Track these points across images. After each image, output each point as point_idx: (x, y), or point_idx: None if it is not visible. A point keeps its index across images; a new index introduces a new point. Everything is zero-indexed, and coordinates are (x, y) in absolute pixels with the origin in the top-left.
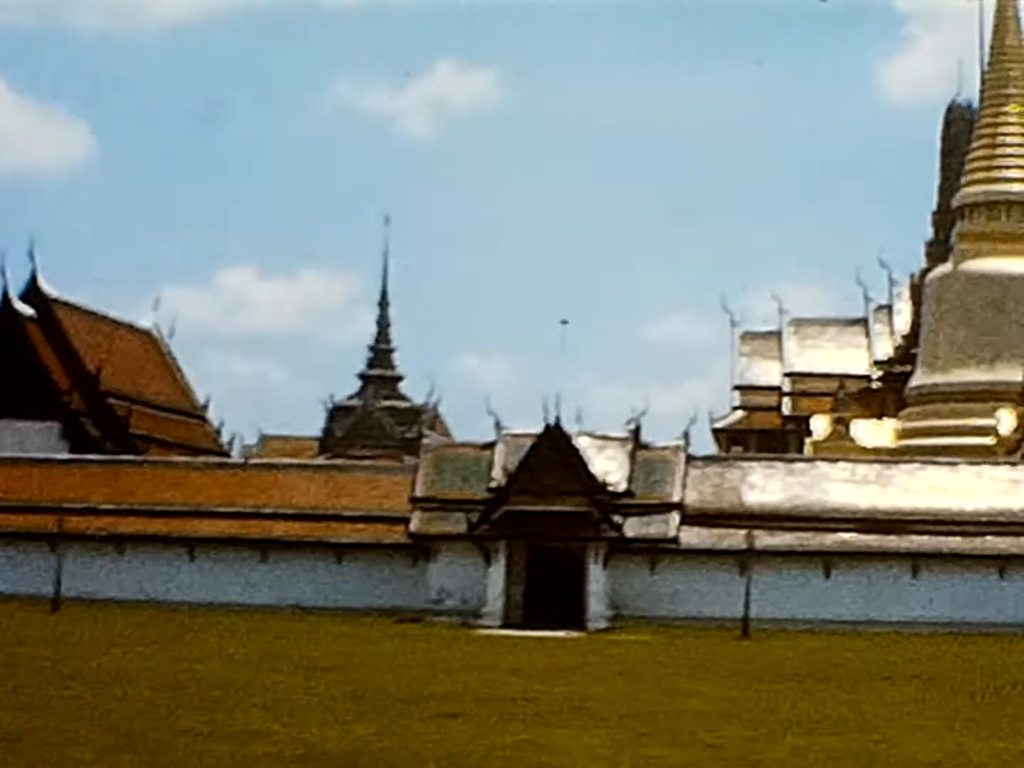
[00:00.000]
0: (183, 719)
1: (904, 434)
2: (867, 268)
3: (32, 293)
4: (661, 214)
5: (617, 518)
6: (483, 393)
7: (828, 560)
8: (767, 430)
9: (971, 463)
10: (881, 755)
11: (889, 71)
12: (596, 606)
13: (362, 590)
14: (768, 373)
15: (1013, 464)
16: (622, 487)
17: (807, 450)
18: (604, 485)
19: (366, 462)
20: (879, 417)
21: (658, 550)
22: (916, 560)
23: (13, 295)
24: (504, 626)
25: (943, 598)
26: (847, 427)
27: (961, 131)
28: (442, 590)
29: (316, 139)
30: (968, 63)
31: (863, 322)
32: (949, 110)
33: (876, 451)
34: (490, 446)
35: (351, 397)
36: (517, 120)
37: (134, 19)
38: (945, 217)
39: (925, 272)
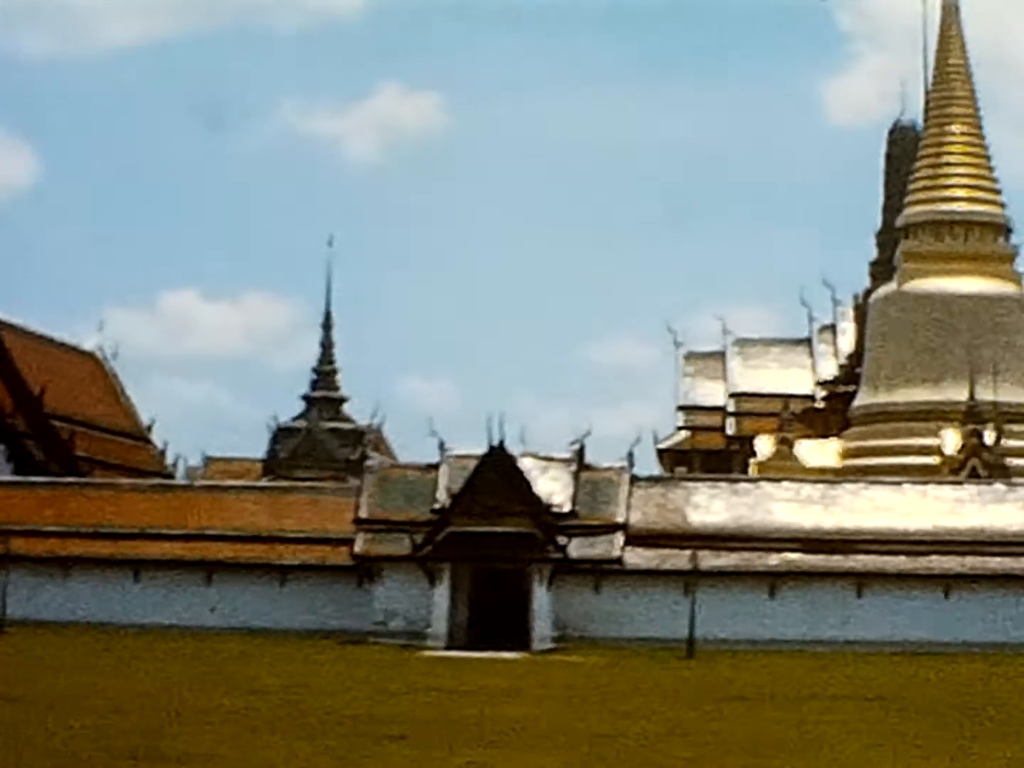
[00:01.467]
0: (129, 742)
1: (848, 454)
2: (811, 288)
3: None
4: (604, 235)
5: (561, 539)
6: (427, 414)
7: (773, 580)
8: (711, 450)
9: (916, 483)
10: None
11: (832, 90)
12: (541, 627)
13: (306, 612)
14: (712, 393)
15: (958, 484)
16: (566, 508)
17: (751, 470)
18: (548, 506)
19: (310, 484)
20: (823, 437)
21: (602, 571)
22: (861, 580)
23: None
24: (449, 648)
25: (888, 618)
26: (791, 447)
27: (905, 150)
28: (387, 612)
29: (260, 161)
30: (912, 82)
31: (807, 342)
32: (893, 129)
33: (820, 471)
34: (434, 467)
35: (295, 419)
36: (461, 142)
37: (79, 43)
38: (889, 237)
39: (869, 292)
